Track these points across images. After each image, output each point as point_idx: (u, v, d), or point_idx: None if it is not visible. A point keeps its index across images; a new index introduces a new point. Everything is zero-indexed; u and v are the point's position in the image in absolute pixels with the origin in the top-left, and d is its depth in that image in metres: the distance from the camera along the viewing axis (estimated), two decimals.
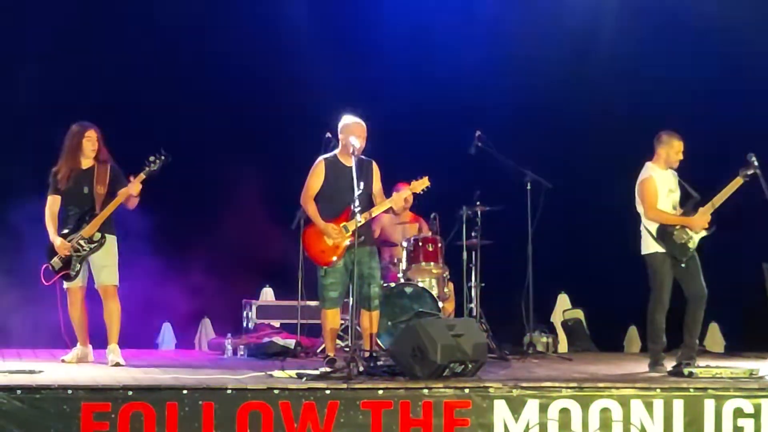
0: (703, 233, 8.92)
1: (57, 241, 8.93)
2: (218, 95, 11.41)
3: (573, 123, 12.03)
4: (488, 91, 11.73)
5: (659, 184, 8.97)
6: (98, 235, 8.98)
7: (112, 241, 9.03)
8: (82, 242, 8.95)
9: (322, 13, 11.76)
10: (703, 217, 8.90)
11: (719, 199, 8.93)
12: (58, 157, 9.06)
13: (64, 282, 9.03)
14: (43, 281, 9.02)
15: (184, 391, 7.07)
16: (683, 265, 8.87)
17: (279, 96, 11.41)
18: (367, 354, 8.44)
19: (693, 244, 8.90)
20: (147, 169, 8.95)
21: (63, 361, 8.97)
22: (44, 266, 9.00)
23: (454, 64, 11.87)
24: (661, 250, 8.91)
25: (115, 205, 8.94)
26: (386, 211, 8.94)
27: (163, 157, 8.97)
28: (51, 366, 8.50)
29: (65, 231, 8.97)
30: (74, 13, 10.96)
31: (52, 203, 9.04)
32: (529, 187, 10.35)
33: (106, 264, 9.00)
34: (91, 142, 9.02)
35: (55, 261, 8.98)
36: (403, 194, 9.05)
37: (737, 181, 8.94)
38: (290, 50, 11.48)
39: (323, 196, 8.67)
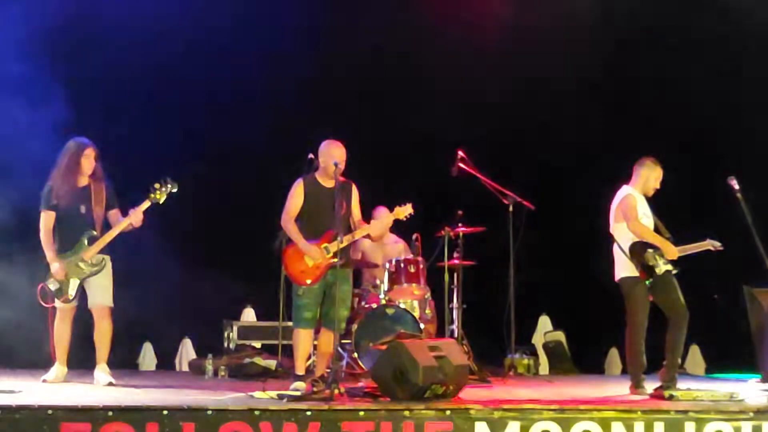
0: (670, 266, 8.96)
1: (55, 265, 8.83)
2: (199, 111, 11.39)
3: (554, 146, 12.05)
4: (470, 111, 11.74)
5: (638, 204, 9.02)
6: (99, 258, 8.92)
7: (109, 262, 8.99)
8: (82, 265, 8.87)
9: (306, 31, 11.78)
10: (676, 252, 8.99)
11: (683, 251, 9.05)
12: (52, 173, 8.96)
13: (57, 301, 8.92)
14: (41, 302, 8.90)
15: (165, 412, 7.02)
16: (647, 282, 8.90)
17: (260, 115, 11.39)
18: (326, 375, 8.43)
19: (659, 270, 8.91)
20: (152, 196, 8.89)
21: (44, 381, 8.89)
22: (40, 286, 8.89)
23: (436, 86, 11.88)
24: (634, 274, 8.92)
25: (118, 230, 8.87)
26: (365, 236, 8.92)
27: (168, 186, 8.91)
28: (30, 385, 8.45)
29: (65, 252, 8.87)
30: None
31: (47, 219, 8.92)
32: (511, 209, 10.39)
33: (103, 285, 8.95)
34: (89, 160, 8.94)
35: (52, 281, 8.87)
36: (386, 220, 8.98)
37: (705, 245, 9.16)
38: (278, 72, 11.48)
39: (302, 217, 8.66)
